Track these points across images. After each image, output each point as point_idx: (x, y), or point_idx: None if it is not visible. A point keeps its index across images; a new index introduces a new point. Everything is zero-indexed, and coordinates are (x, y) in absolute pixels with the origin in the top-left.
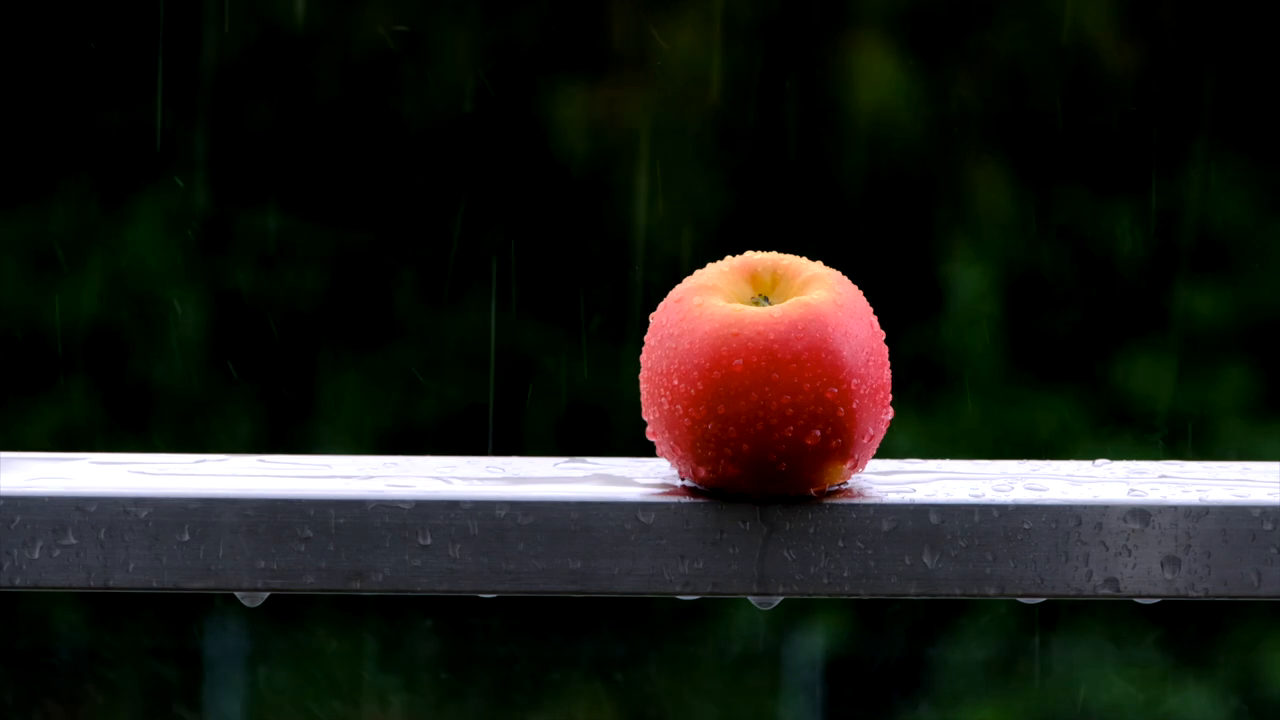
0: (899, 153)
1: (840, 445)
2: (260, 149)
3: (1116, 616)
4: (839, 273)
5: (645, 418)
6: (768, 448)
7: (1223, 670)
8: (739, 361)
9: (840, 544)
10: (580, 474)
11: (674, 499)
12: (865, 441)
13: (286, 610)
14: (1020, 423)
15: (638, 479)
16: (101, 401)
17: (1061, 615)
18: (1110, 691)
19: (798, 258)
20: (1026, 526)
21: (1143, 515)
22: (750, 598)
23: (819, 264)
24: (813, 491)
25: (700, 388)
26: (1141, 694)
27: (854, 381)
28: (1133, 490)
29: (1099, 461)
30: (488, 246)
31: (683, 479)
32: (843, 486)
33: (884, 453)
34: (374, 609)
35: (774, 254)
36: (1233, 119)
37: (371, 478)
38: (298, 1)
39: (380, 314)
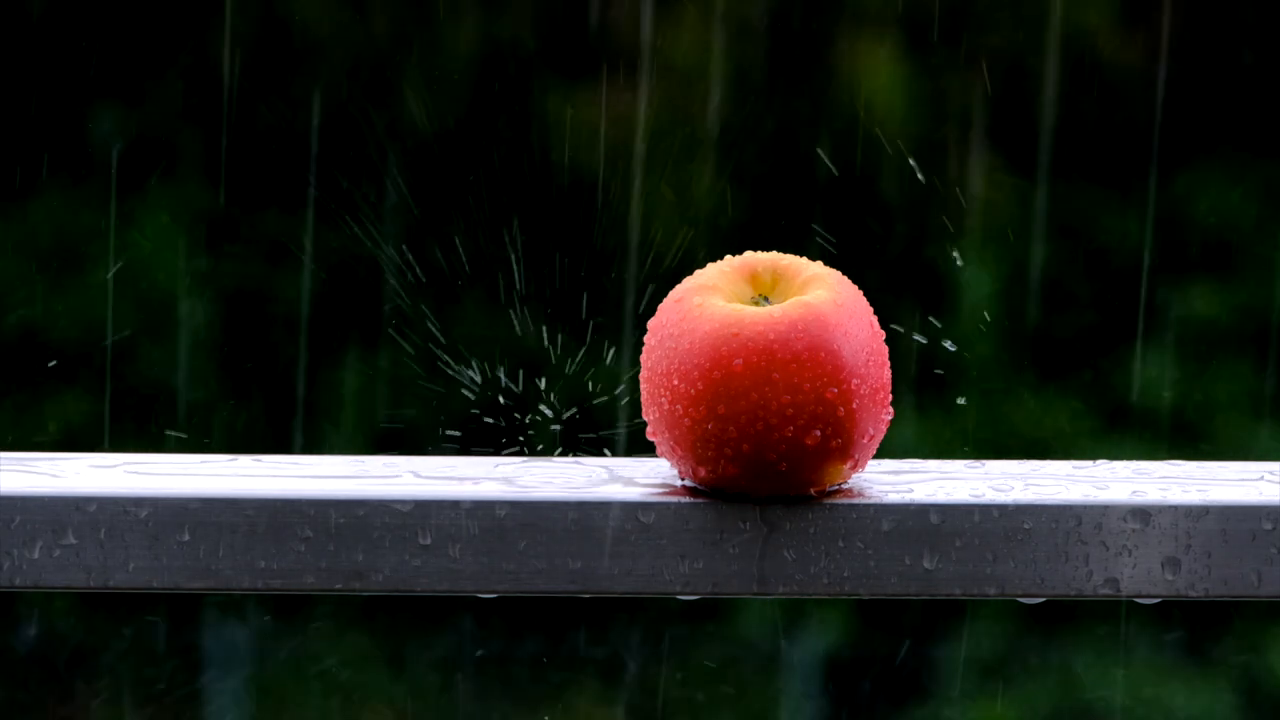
0: (899, 151)
1: (840, 445)
2: (263, 149)
3: (1117, 616)
4: (839, 273)
5: (645, 418)
6: (768, 448)
7: (1224, 669)
8: (739, 361)
9: (840, 544)
10: (580, 474)
11: (674, 499)
12: (865, 441)
13: (287, 610)
14: (1021, 423)
15: (638, 479)
16: (102, 401)
17: (1061, 615)
18: (1111, 691)
19: (798, 258)
20: (1026, 526)
21: (1143, 515)
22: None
23: (819, 264)
24: (813, 491)
25: (700, 388)
26: (1142, 693)
27: (854, 381)
28: (1133, 490)
29: (1099, 461)
30: (488, 247)
31: (683, 479)
32: (843, 486)
33: (884, 453)
34: (374, 609)
35: (774, 254)
36: (1235, 117)
37: (371, 478)
38: (302, 1)
39: (381, 314)
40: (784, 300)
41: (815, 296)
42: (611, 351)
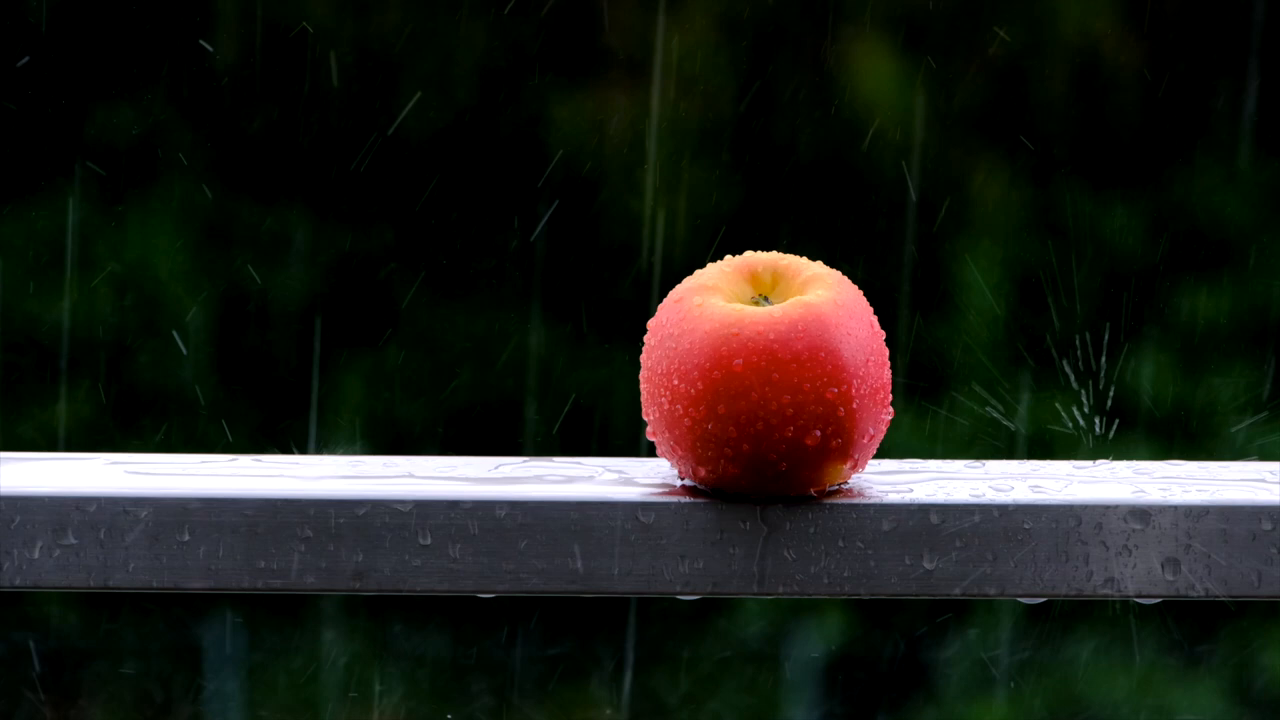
0: (900, 151)
1: (840, 445)
2: (263, 149)
3: (1117, 616)
4: (839, 273)
5: (645, 418)
6: (768, 447)
7: (1223, 669)
8: (739, 361)
9: (840, 544)
10: (580, 474)
11: (674, 499)
12: (865, 441)
13: (287, 610)
14: (1021, 423)
15: (638, 479)
16: (103, 401)
17: (1062, 615)
18: (1110, 691)
19: (798, 258)
20: (1026, 526)
21: (1143, 515)
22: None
23: (819, 264)
24: (813, 491)
25: (700, 387)
26: (1142, 693)
27: (854, 381)
28: (1133, 490)
29: (1099, 461)
30: (489, 246)
31: (683, 479)
32: (843, 486)
33: (884, 453)
34: (374, 608)
35: (774, 254)
36: (1236, 116)
37: (371, 478)
38: (301, 0)
39: (381, 314)
40: (784, 300)
41: (815, 296)
42: (612, 351)
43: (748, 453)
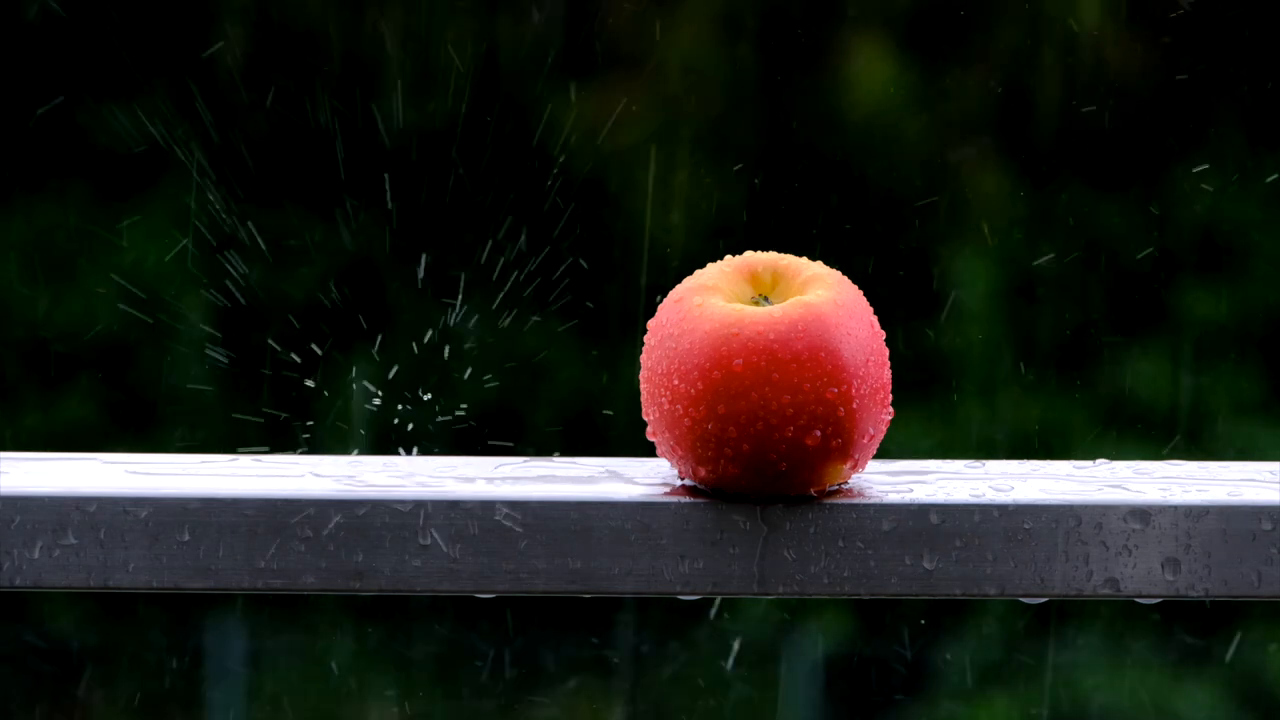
0: (899, 151)
1: (840, 445)
2: (263, 149)
3: (1117, 616)
4: (839, 273)
5: (645, 418)
6: (768, 448)
7: (1224, 669)
8: (739, 361)
9: (840, 544)
10: (580, 474)
11: (674, 499)
12: (865, 441)
13: (287, 610)
14: (1020, 423)
15: (638, 479)
16: (102, 402)
17: (1062, 615)
18: (1111, 691)
19: (798, 257)
20: (1026, 526)
21: (1143, 515)
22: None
23: (819, 264)
24: (813, 491)
25: (700, 388)
26: (1142, 694)
27: (854, 381)
28: (1133, 490)
29: (1099, 461)
30: (489, 247)
31: (683, 479)
32: (843, 486)
33: (884, 453)
34: (374, 608)
35: (774, 254)
36: (1236, 116)
37: (371, 478)
38: (299, 1)
39: (381, 314)
40: (784, 300)
41: (815, 296)
42: (612, 351)
43: (748, 453)
